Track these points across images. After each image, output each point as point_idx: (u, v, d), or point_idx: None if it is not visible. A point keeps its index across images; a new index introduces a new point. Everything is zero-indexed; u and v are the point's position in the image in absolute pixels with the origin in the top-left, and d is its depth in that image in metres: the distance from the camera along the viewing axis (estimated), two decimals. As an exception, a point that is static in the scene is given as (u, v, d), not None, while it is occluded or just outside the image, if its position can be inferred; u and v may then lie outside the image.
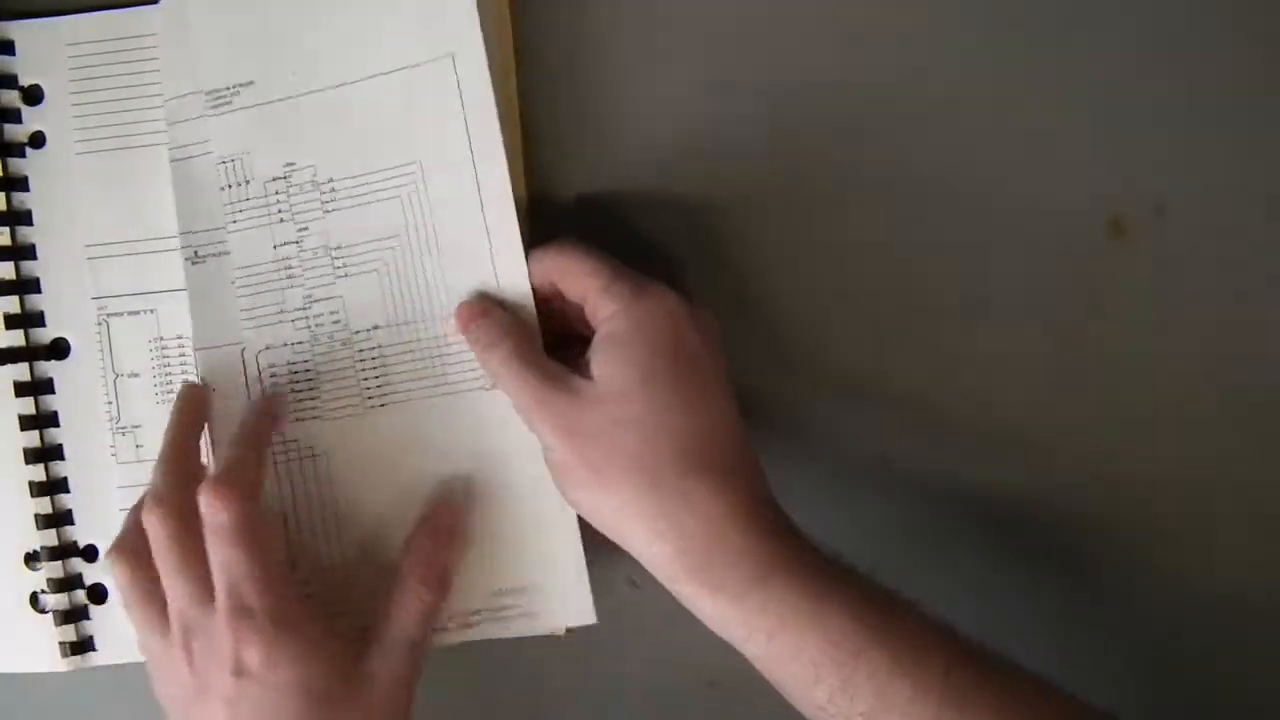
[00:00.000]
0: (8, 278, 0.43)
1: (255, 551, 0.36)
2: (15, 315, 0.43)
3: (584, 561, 0.40)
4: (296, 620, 0.37)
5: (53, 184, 0.43)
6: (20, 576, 0.44)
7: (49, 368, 0.44)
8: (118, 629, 0.44)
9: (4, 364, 0.43)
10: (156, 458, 0.39)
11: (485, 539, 0.41)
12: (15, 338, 0.43)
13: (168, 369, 0.43)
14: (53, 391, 0.44)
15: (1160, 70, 0.42)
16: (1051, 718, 0.35)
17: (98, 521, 0.44)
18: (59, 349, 0.44)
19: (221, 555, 0.36)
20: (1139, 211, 0.42)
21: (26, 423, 0.43)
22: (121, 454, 0.44)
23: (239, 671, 0.36)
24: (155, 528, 0.37)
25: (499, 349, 0.38)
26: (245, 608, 0.36)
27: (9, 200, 0.43)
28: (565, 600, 0.41)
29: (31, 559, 0.44)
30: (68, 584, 0.44)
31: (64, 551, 0.44)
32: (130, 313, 0.43)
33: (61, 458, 0.44)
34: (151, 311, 0.43)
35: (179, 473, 0.38)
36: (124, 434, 0.43)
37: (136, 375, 0.43)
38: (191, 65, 0.42)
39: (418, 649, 0.38)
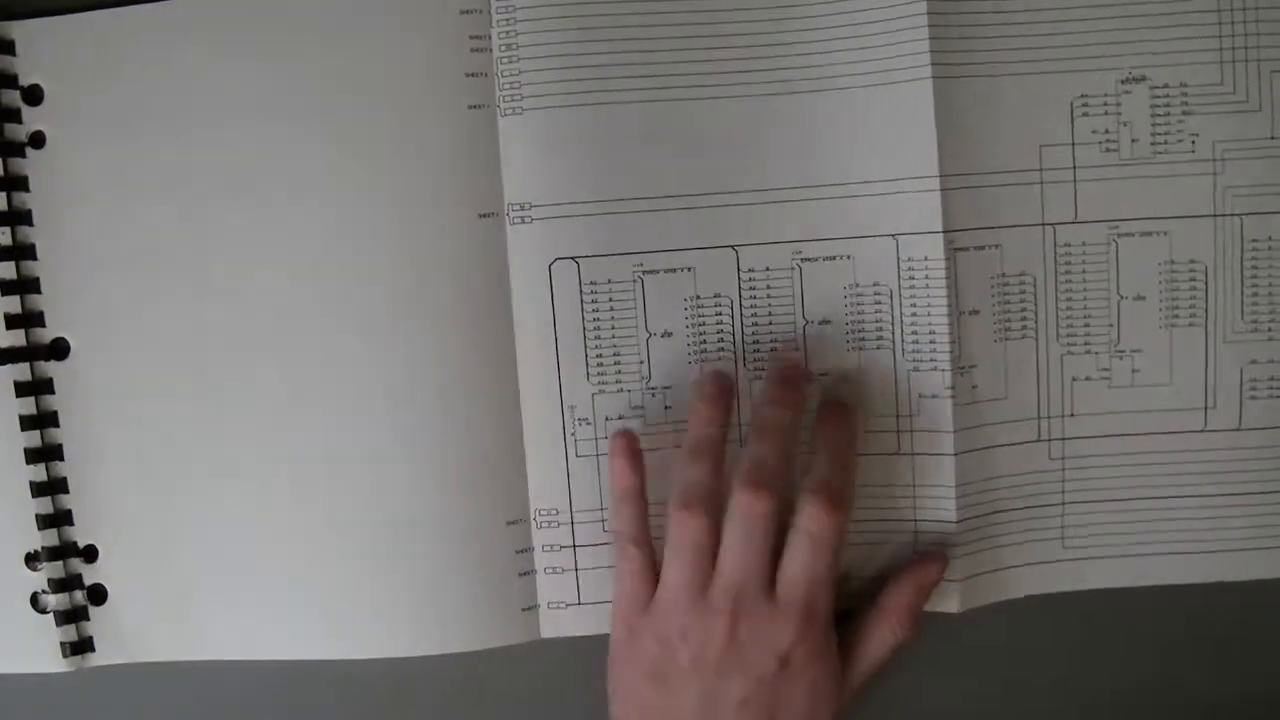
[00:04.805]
0: (8, 278, 0.43)
1: (834, 566, 0.40)
2: (15, 315, 0.43)
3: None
4: (831, 626, 0.41)
5: (53, 184, 0.43)
6: (20, 576, 0.44)
7: (49, 368, 0.44)
8: (118, 629, 0.44)
9: (4, 364, 0.43)
10: (762, 436, 0.41)
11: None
12: (15, 338, 0.43)
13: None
14: (53, 391, 0.44)
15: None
16: None
17: (98, 521, 0.44)
18: (59, 349, 0.44)
19: (812, 559, 0.39)
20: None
21: (26, 423, 0.43)
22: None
23: (785, 662, 0.39)
24: (754, 504, 0.39)
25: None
26: (813, 612, 0.39)
27: (9, 200, 0.43)
28: None
29: (31, 559, 0.44)
30: (68, 584, 0.44)
31: (64, 551, 0.44)
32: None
33: (61, 458, 0.44)
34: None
35: (782, 456, 0.40)
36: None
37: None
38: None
39: (877, 671, 0.42)
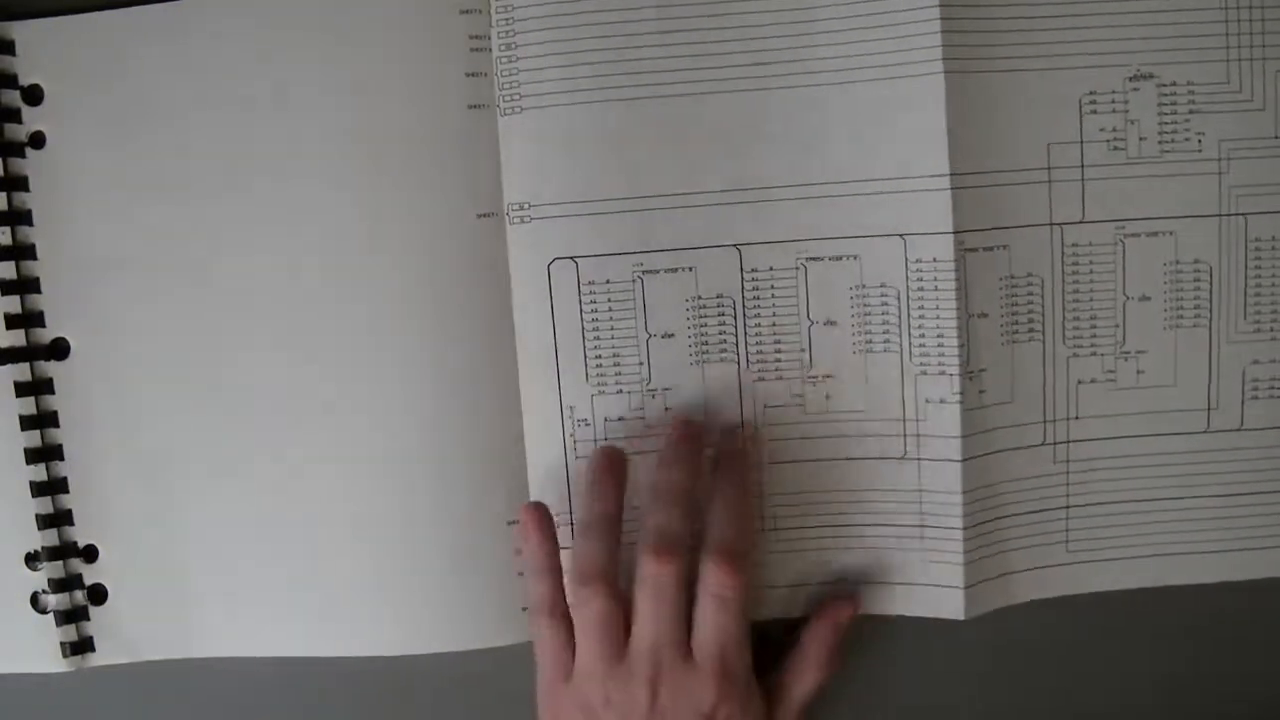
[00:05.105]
0: (8, 278, 0.43)
1: (745, 620, 0.40)
2: (15, 315, 0.43)
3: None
4: (752, 678, 0.41)
5: (53, 184, 0.43)
6: (20, 576, 0.44)
7: (49, 368, 0.44)
8: (118, 629, 0.44)
9: (4, 364, 0.43)
10: (661, 501, 0.41)
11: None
12: (15, 338, 0.43)
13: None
14: (52, 391, 0.44)
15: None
16: None
17: (98, 521, 0.44)
18: (59, 349, 0.44)
19: (721, 620, 0.40)
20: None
21: (26, 423, 0.43)
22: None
23: None
24: (661, 570, 0.39)
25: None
26: (730, 670, 0.40)
27: (9, 200, 0.43)
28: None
29: (31, 559, 0.44)
30: (68, 584, 0.44)
31: (64, 551, 0.44)
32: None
33: (61, 458, 0.44)
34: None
35: (684, 519, 0.40)
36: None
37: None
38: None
39: (805, 710, 0.43)
